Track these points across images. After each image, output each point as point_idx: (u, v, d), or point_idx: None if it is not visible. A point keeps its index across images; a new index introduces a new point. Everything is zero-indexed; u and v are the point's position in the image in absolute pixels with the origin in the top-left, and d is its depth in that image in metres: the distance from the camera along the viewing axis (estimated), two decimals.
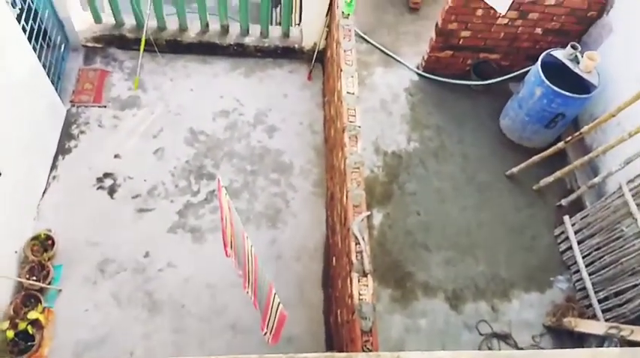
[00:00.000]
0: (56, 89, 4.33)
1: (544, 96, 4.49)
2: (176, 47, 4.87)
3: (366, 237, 3.12)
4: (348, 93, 3.78)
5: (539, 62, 4.53)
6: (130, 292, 3.79)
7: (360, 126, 3.62)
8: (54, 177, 4.18)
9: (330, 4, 4.54)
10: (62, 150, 4.33)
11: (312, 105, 4.81)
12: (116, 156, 4.34)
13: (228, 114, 4.61)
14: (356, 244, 3.09)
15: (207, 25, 4.85)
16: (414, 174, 4.88)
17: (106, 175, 4.25)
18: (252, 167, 4.43)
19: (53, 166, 4.22)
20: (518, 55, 5.23)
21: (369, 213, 3.23)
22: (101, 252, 3.92)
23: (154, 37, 4.74)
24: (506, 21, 4.90)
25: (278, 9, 5.94)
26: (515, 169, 4.81)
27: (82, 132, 4.45)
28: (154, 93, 4.66)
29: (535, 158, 4.65)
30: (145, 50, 4.66)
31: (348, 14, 4.20)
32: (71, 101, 4.56)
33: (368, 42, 5.79)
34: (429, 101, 5.41)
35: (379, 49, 5.75)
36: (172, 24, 4.87)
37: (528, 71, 4.78)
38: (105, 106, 4.55)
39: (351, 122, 3.64)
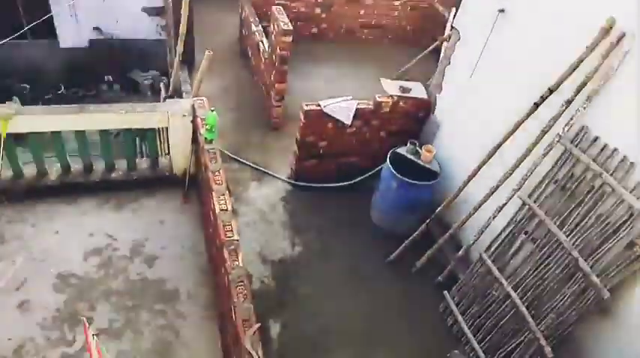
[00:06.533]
0: None
1: (400, 188, 5.05)
2: (36, 192, 4.66)
3: (260, 350, 3.05)
4: (221, 210, 3.90)
5: (388, 160, 5.16)
6: None
7: (238, 240, 3.70)
8: None
9: (194, 133, 4.81)
10: None
11: (191, 228, 4.80)
12: None
13: (101, 251, 4.39)
14: None
15: (68, 166, 4.76)
16: (304, 277, 4.99)
17: None
18: (134, 302, 4.17)
19: None
20: (371, 156, 5.91)
21: (258, 324, 3.19)
22: None
23: (10, 186, 4.53)
24: (354, 129, 5.60)
25: (145, 142, 6.06)
26: (392, 256, 5.17)
27: None
28: (14, 243, 4.31)
29: (406, 243, 5.08)
30: None
31: (211, 139, 4.48)
32: None
33: (239, 161, 6.12)
34: (305, 206, 5.75)
35: (250, 165, 6.10)
36: (30, 170, 4.70)
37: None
38: None
39: (228, 238, 3.71)
